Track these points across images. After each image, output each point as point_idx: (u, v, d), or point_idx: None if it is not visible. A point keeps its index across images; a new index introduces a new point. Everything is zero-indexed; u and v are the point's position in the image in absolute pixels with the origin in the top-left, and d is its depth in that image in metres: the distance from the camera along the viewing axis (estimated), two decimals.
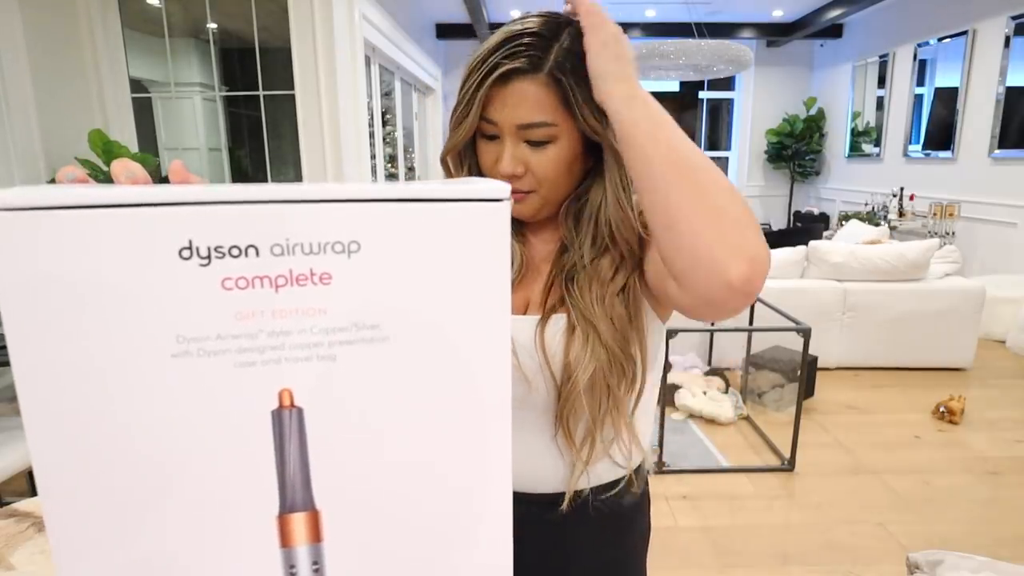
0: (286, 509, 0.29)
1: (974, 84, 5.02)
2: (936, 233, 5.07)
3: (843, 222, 5.53)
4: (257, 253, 0.27)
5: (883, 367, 3.47)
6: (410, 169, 6.42)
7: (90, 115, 3.29)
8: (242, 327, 0.27)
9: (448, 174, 0.70)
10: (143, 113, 3.57)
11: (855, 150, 7.00)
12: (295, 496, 0.29)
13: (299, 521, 0.29)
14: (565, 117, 0.63)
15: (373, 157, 4.41)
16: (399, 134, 5.67)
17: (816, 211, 7.22)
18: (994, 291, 3.81)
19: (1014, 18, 4.57)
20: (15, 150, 2.83)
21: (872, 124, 6.64)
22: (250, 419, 0.28)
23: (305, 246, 0.27)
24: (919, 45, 5.75)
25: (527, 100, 0.62)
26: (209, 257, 0.26)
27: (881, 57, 6.42)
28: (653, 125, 0.54)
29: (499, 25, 0.66)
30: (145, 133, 3.57)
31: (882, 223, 5.27)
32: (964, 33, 5.08)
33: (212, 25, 3.57)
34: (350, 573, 0.31)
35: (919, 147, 5.81)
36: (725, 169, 8.35)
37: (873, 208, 5.93)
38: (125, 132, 3.42)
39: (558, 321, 0.66)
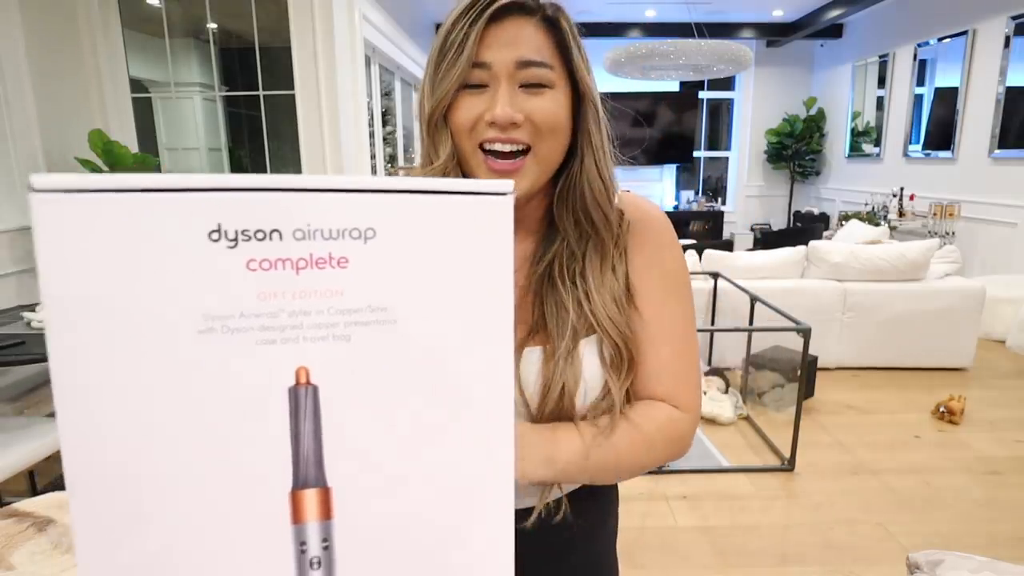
0: (299, 485, 0.30)
1: (974, 84, 5.02)
2: (936, 233, 5.07)
3: (843, 222, 5.53)
4: (280, 237, 0.28)
5: (883, 367, 3.47)
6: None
7: (90, 115, 3.29)
8: (264, 306, 0.29)
9: (431, 143, 0.63)
10: (143, 113, 3.58)
11: (855, 150, 7.01)
12: (308, 472, 0.30)
13: (311, 497, 0.30)
14: (560, 63, 0.61)
15: (373, 157, 4.41)
16: (399, 134, 5.67)
17: (816, 211, 7.23)
18: (994, 291, 3.81)
19: (1014, 18, 4.57)
20: (15, 150, 2.83)
21: (872, 124, 6.64)
22: (268, 395, 0.29)
23: (325, 231, 0.29)
24: (919, 45, 5.76)
25: (526, 38, 0.59)
26: (236, 240, 0.28)
27: (881, 57, 6.42)
28: (578, 472, 0.59)
29: None
30: (145, 133, 3.57)
31: (882, 223, 5.27)
32: (964, 33, 5.08)
33: (212, 25, 3.58)
34: (359, 551, 0.31)
35: (919, 147, 5.81)
36: (725, 169, 8.36)
37: (873, 208, 5.93)
38: (125, 132, 3.42)
39: (532, 354, 0.62)
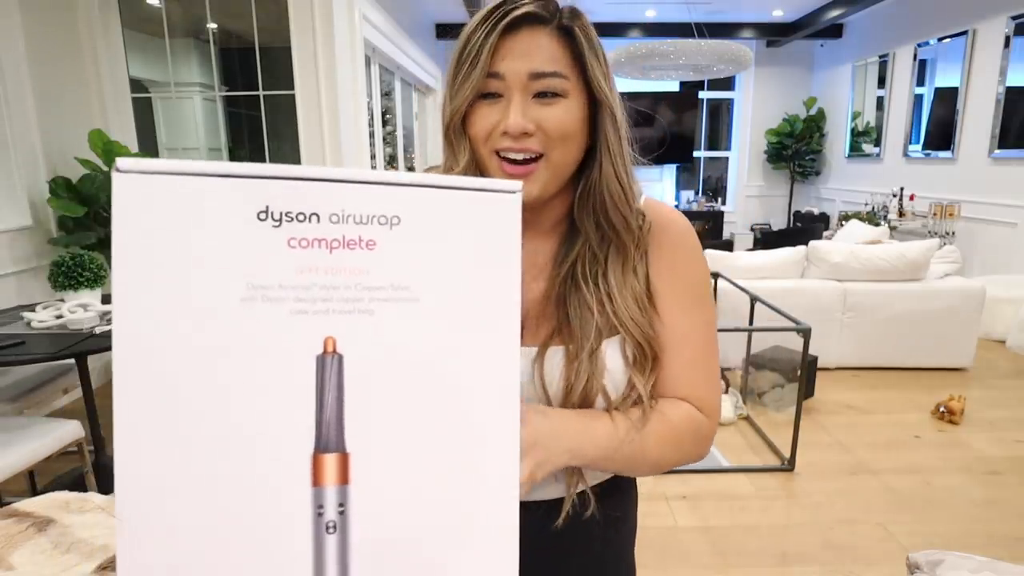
0: (320, 449, 0.32)
1: (974, 84, 5.02)
2: (936, 233, 5.07)
3: (843, 222, 5.53)
4: (318, 220, 0.32)
5: (883, 367, 3.47)
6: (410, 169, 6.42)
7: (90, 115, 3.29)
8: (300, 280, 0.32)
9: (450, 150, 0.66)
10: (143, 113, 3.58)
11: (855, 150, 7.01)
12: (329, 436, 0.32)
13: (330, 461, 0.33)
14: (575, 72, 0.62)
15: (373, 157, 4.41)
16: (399, 134, 5.67)
17: (816, 211, 7.23)
18: (994, 291, 3.81)
19: (1014, 18, 4.57)
20: (15, 150, 2.83)
21: (872, 124, 6.64)
22: (298, 360, 0.32)
23: (356, 217, 0.33)
24: (919, 45, 5.76)
25: (539, 48, 0.60)
26: (280, 220, 0.32)
27: (881, 57, 6.42)
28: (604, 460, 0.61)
29: None
30: (145, 133, 3.57)
31: (882, 223, 5.27)
32: (964, 33, 5.08)
33: (212, 25, 3.58)
34: (373, 517, 0.34)
35: (919, 147, 5.81)
36: (725, 169, 8.36)
37: (873, 208, 5.93)
38: (125, 132, 3.42)
39: (555, 354, 0.63)
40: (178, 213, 0.31)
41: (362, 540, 0.33)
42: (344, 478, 0.33)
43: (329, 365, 0.32)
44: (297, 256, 0.32)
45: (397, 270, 0.33)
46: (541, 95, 0.61)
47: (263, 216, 0.32)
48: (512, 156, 0.62)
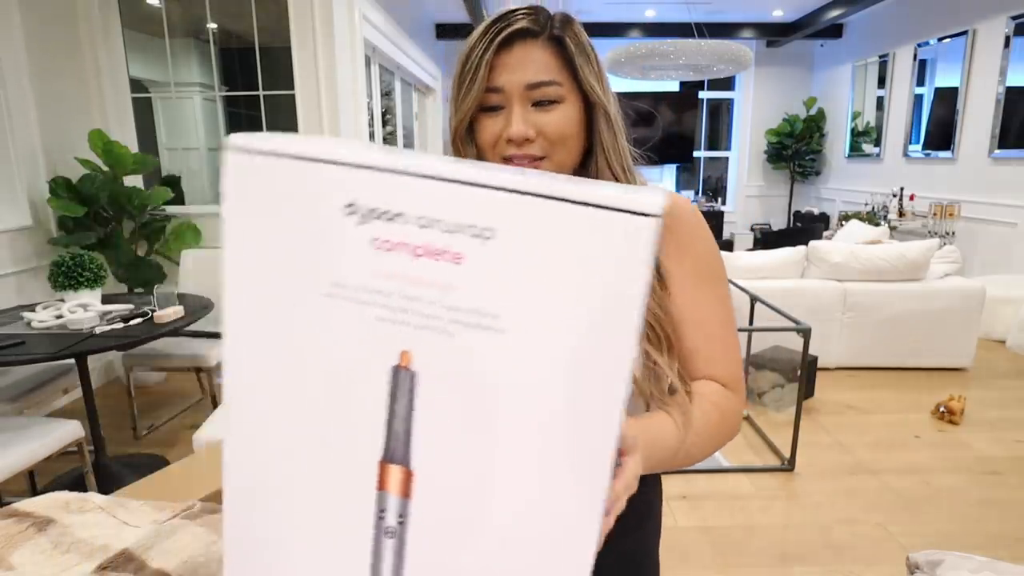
0: (387, 458, 0.32)
1: (974, 84, 5.02)
2: (936, 233, 5.07)
3: (843, 222, 5.53)
4: (404, 221, 0.29)
5: (883, 367, 3.47)
6: None
7: (90, 115, 3.29)
8: (382, 284, 0.30)
9: (455, 154, 0.70)
10: (143, 113, 3.58)
11: (855, 150, 7.01)
12: (396, 449, 0.31)
13: (395, 472, 0.31)
14: (568, 78, 0.66)
15: None
16: (399, 134, 5.67)
17: (816, 211, 7.23)
18: (994, 291, 3.81)
19: (1014, 18, 4.57)
20: (15, 150, 2.83)
21: (872, 124, 6.64)
22: (374, 366, 0.31)
23: (444, 224, 0.28)
24: (919, 45, 5.76)
25: (533, 61, 0.65)
26: (366, 217, 0.29)
27: (881, 57, 6.42)
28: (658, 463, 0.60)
29: None
30: (145, 133, 3.57)
31: (882, 223, 5.27)
32: (964, 33, 5.08)
33: (212, 25, 3.58)
34: (429, 538, 0.32)
35: (919, 147, 5.81)
36: (725, 169, 8.36)
37: (873, 208, 5.93)
38: (125, 132, 3.42)
39: None
40: (275, 195, 0.31)
41: (417, 558, 0.32)
42: (406, 492, 0.32)
43: (403, 380, 0.30)
44: (380, 259, 0.29)
45: (485, 293, 0.28)
46: (539, 103, 0.66)
47: (350, 210, 0.29)
48: (516, 160, 0.67)
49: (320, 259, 0.30)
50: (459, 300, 0.29)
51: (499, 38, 0.64)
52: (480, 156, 0.69)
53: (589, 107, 0.69)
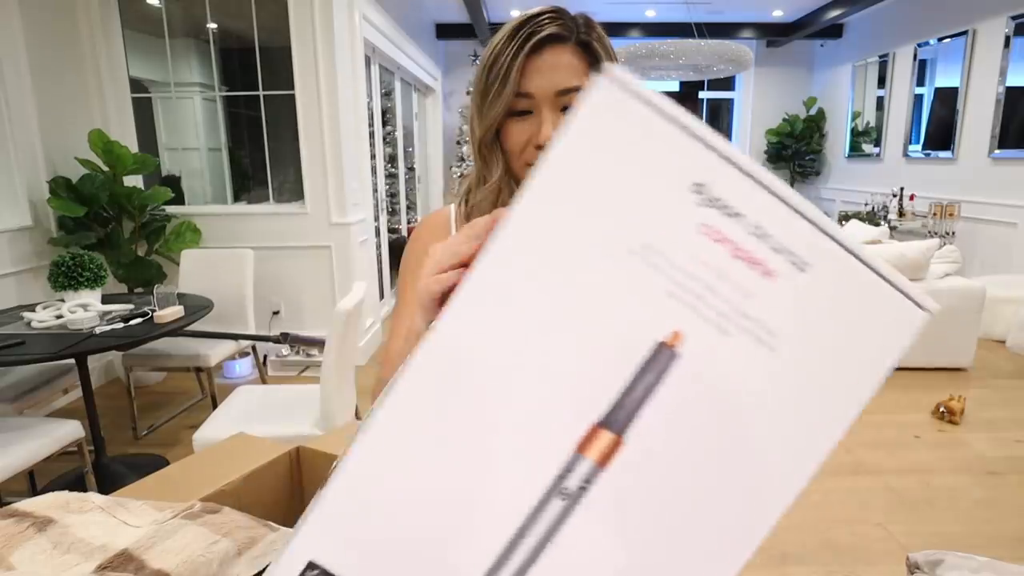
0: (602, 423, 0.31)
1: (974, 84, 5.02)
2: (936, 233, 5.07)
3: (843, 222, 5.53)
4: (739, 222, 0.30)
5: None
6: (410, 169, 6.42)
7: (90, 115, 3.29)
8: (690, 266, 0.31)
9: (483, 163, 0.70)
10: (143, 113, 3.58)
11: (855, 150, 7.01)
12: (617, 418, 0.31)
13: (604, 439, 0.31)
14: None
15: (373, 157, 4.41)
16: (399, 134, 5.67)
17: None
18: (994, 291, 3.81)
19: (1014, 18, 4.57)
20: (15, 150, 2.83)
21: (872, 124, 6.64)
22: (639, 334, 0.31)
23: (775, 242, 0.31)
24: (919, 45, 5.76)
25: (564, 66, 0.64)
26: (708, 203, 0.30)
27: (881, 57, 6.42)
28: None
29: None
30: (145, 133, 3.57)
31: (882, 223, 5.27)
32: (964, 33, 5.08)
33: (212, 25, 3.58)
34: (597, 516, 0.32)
35: (919, 147, 5.81)
36: None
37: (873, 208, 5.93)
38: (125, 132, 3.42)
39: None
40: (627, 140, 0.30)
41: (574, 530, 0.32)
42: (604, 461, 0.31)
43: (662, 357, 0.31)
44: (701, 243, 0.30)
45: (776, 312, 0.31)
46: (567, 108, 0.65)
47: (697, 189, 0.30)
48: None
49: (642, 218, 0.31)
50: (751, 308, 0.31)
51: (530, 43, 0.63)
52: (507, 161, 0.69)
53: None
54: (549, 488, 0.31)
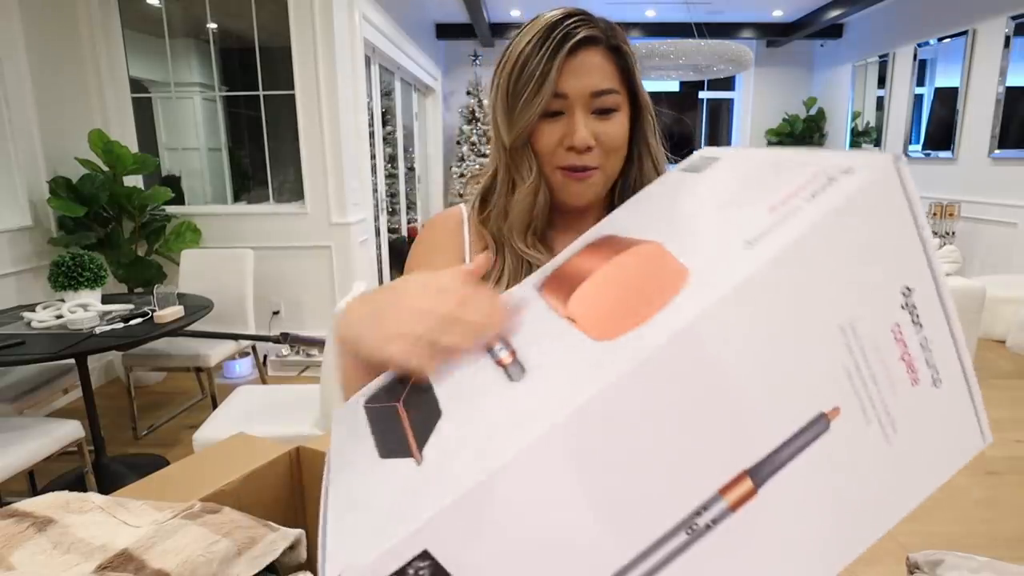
0: (750, 471, 0.32)
1: (974, 84, 5.02)
2: (936, 233, 5.07)
3: None
4: (922, 338, 0.33)
5: None
6: (410, 169, 6.43)
7: (90, 115, 3.29)
8: (872, 355, 0.32)
9: (513, 166, 0.71)
10: (143, 113, 3.58)
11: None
12: (763, 470, 0.32)
13: (745, 487, 0.32)
14: (624, 86, 0.69)
15: (373, 157, 4.41)
16: (399, 134, 5.67)
17: None
18: (994, 291, 3.81)
19: (1014, 18, 4.57)
20: (15, 150, 2.83)
21: (872, 124, 6.64)
22: (808, 401, 0.32)
23: (931, 356, 0.34)
24: (919, 45, 5.76)
25: (597, 68, 0.66)
26: (907, 306, 0.32)
27: (881, 57, 6.42)
28: None
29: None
30: (145, 133, 3.57)
31: None
32: (964, 33, 5.08)
33: (212, 25, 3.58)
34: (716, 552, 0.32)
35: (919, 147, 5.81)
36: None
37: None
38: (125, 132, 3.42)
39: None
40: (882, 226, 0.31)
41: (688, 565, 0.32)
42: (736, 506, 0.32)
43: (818, 426, 0.32)
44: (887, 339, 0.32)
45: (907, 415, 0.34)
46: (598, 111, 0.67)
47: (905, 292, 0.32)
48: (575, 168, 0.68)
49: (860, 299, 0.32)
50: (892, 404, 0.34)
51: (568, 44, 0.64)
52: (539, 163, 0.70)
53: (636, 113, 0.71)
54: (682, 520, 0.32)
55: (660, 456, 0.31)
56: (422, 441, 0.32)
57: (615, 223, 0.42)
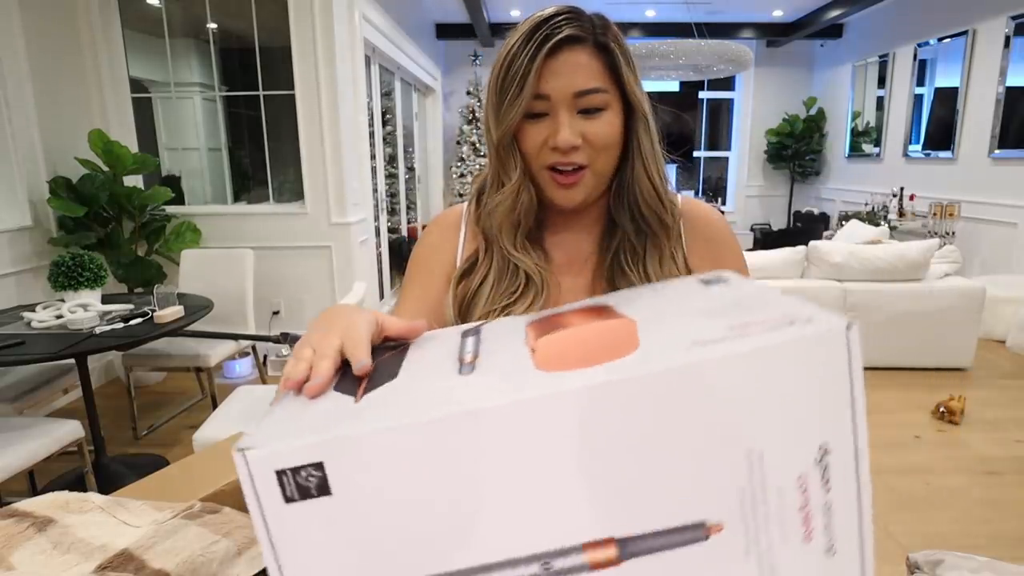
0: (620, 541, 0.33)
1: (974, 84, 5.02)
2: (936, 233, 5.07)
3: (843, 222, 5.53)
4: (823, 492, 0.34)
5: (883, 367, 3.47)
6: (410, 169, 6.42)
7: (90, 115, 3.29)
8: (771, 494, 0.33)
9: (500, 165, 0.70)
10: (143, 113, 3.58)
11: (855, 150, 7.01)
12: (633, 547, 0.33)
13: (609, 552, 0.33)
14: (612, 84, 0.67)
15: (373, 157, 4.41)
16: (399, 134, 5.67)
17: (816, 211, 7.22)
18: (994, 291, 3.81)
19: (1014, 18, 4.57)
20: (15, 150, 2.83)
21: (872, 124, 6.64)
22: (701, 506, 0.33)
23: (831, 523, 0.34)
24: (919, 45, 5.76)
25: (581, 67, 0.65)
26: (819, 463, 0.33)
27: (881, 57, 6.42)
28: None
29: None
30: (145, 133, 3.57)
31: (882, 223, 5.27)
32: (964, 33, 5.08)
33: (212, 25, 3.58)
34: None
35: (919, 147, 5.81)
36: (725, 168, 8.36)
37: (873, 208, 5.93)
38: (125, 132, 3.42)
39: None
40: (815, 375, 0.32)
41: None
42: (595, 568, 0.33)
43: (696, 534, 0.33)
44: (791, 486, 0.33)
45: (789, 570, 0.34)
46: (584, 111, 0.66)
47: (822, 448, 0.33)
48: (561, 167, 0.67)
49: (774, 433, 0.32)
50: (778, 554, 0.34)
51: (547, 45, 0.63)
52: (526, 163, 0.69)
53: (628, 111, 0.69)
54: (540, 554, 0.33)
55: (532, 484, 0.32)
56: (370, 389, 0.36)
57: (619, 298, 0.44)
